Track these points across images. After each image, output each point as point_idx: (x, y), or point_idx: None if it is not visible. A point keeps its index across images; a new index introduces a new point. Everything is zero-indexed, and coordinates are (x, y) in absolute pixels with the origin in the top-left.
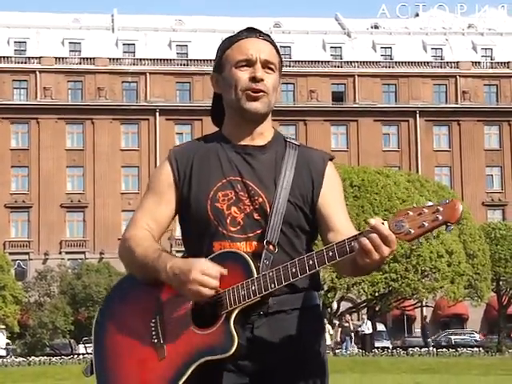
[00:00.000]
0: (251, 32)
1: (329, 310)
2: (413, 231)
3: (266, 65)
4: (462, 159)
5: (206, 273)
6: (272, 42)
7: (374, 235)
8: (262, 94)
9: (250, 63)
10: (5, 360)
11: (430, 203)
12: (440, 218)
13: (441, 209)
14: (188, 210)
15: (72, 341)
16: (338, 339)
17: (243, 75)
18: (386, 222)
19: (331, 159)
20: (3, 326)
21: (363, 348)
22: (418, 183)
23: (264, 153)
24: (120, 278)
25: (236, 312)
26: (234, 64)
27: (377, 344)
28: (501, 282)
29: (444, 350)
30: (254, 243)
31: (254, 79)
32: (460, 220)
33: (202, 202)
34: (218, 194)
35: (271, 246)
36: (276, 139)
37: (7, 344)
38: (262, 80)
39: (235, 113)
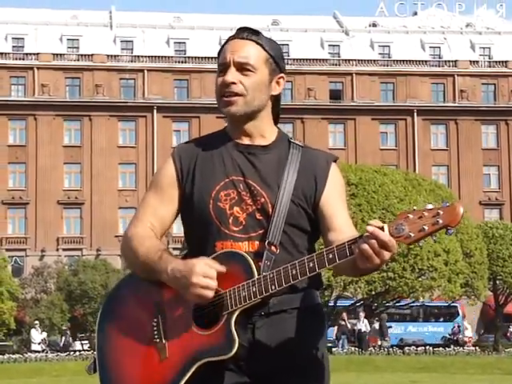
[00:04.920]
0: (239, 33)
1: (325, 308)
2: (413, 235)
3: (241, 66)
4: (460, 158)
5: (206, 275)
6: (258, 41)
7: (373, 241)
8: (235, 97)
9: (226, 67)
10: (40, 355)
11: (431, 206)
12: (440, 221)
13: (441, 212)
14: (190, 208)
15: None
16: (334, 337)
17: (219, 80)
18: (386, 226)
19: (335, 160)
20: (37, 322)
21: (359, 346)
22: (416, 182)
23: (267, 153)
24: (118, 275)
25: (237, 313)
26: (217, 70)
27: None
28: (498, 281)
29: (440, 348)
30: (257, 243)
31: (223, 83)
32: (460, 223)
33: (204, 201)
34: (221, 193)
35: (273, 247)
36: (280, 140)
37: (43, 339)
38: (234, 83)
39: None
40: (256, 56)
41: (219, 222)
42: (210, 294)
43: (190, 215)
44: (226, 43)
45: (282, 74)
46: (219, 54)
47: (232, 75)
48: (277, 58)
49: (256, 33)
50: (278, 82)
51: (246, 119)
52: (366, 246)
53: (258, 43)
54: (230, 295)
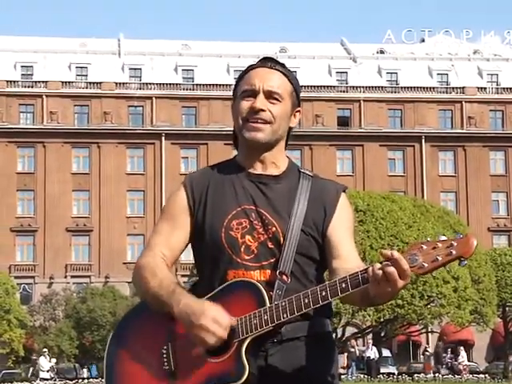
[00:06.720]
0: (264, 62)
1: (334, 335)
2: (426, 265)
3: (270, 95)
4: (468, 184)
5: (216, 321)
6: (284, 72)
7: (392, 268)
8: (262, 125)
9: (253, 93)
10: (48, 383)
11: (444, 237)
12: (454, 252)
13: (455, 244)
14: (202, 237)
15: (77, 365)
16: (344, 364)
17: (246, 105)
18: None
19: (344, 190)
20: (45, 350)
21: (369, 374)
22: (424, 208)
23: (278, 182)
24: (126, 302)
25: (248, 341)
26: (240, 94)
27: (382, 370)
28: (507, 308)
29: (449, 376)
30: (268, 272)
31: (252, 109)
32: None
33: (216, 229)
34: (233, 222)
35: (284, 277)
36: (290, 169)
37: (51, 367)
38: (263, 110)
39: (242, 141)
40: (283, 86)
41: (231, 250)
42: (212, 340)
43: (202, 243)
44: (250, 70)
45: (299, 108)
46: (240, 78)
47: (261, 102)
48: (298, 92)
49: (281, 64)
50: (294, 115)
51: (265, 148)
52: (381, 271)
53: (284, 74)
54: (241, 323)
